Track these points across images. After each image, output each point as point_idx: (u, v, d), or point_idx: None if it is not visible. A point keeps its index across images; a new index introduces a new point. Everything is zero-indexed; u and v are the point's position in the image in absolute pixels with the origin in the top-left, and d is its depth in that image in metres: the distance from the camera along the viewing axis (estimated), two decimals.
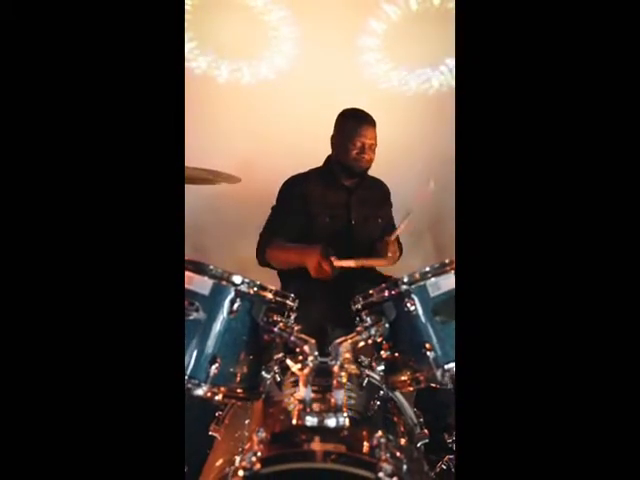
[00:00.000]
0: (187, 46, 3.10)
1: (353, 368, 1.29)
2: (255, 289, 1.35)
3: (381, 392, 1.59)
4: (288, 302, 1.41)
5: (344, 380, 1.25)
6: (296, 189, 2.17)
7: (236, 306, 1.32)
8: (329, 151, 2.23)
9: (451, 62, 3.20)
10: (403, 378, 1.38)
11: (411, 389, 1.41)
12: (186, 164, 1.80)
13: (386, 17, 3.21)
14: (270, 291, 1.37)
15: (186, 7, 3.05)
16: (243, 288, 1.33)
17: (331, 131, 2.22)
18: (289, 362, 1.33)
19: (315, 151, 2.28)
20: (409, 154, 3.13)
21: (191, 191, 2.02)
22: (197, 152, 2.58)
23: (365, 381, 1.53)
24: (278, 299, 1.39)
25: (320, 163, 2.27)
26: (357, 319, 1.46)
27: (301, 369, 1.26)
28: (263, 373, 1.41)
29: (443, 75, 3.25)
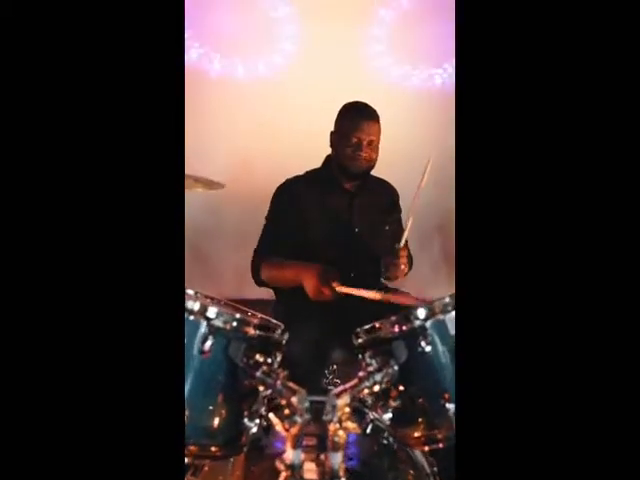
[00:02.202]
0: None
1: (354, 427, 1.03)
2: (234, 324, 1.09)
3: (385, 434, 1.34)
4: (275, 336, 1.15)
5: (342, 441, 1.00)
6: (290, 195, 1.91)
7: (208, 345, 1.07)
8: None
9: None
10: (416, 434, 1.11)
11: (427, 449, 1.14)
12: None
13: (393, 9, 3.06)
14: (253, 326, 1.11)
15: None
16: (218, 323, 1.08)
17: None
18: (272, 418, 1.07)
19: (319, 151, 2.04)
20: (417, 153, 2.89)
21: (189, 193, 1.84)
22: (195, 152, 2.40)
23: (369, 427, 1.28)
24: (262, 334, 1.13)
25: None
26: (359, 356, 1.20)
27: (287, 427, 1.01)
28: (245, 421, 1.15)
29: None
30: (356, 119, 1.85)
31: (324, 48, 3.02)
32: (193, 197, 2.29)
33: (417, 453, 1.35)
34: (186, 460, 1.09)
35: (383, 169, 2.00)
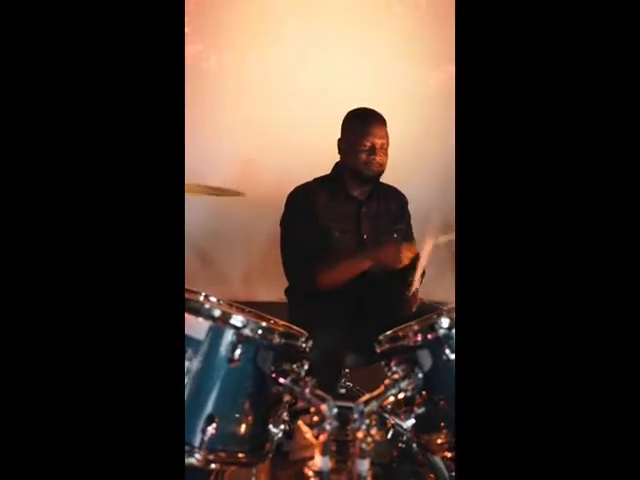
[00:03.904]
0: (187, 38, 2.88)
1: (381, 434, 1.05)
2: (260, 332, 1.11)
3: (404, 438, 1.37)
4: (299, 344, 1.17)
5: (369, 448, 1.01)
6: (303, 202, 1.91)
7: (238, 353, 1.08)
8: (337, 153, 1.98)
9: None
10: (439, 441, 1.14)
11: (449, 455, 1.16)
12: (186, 169, 1.60)
13: (400, 11, 3.01)
14: (278, 334, 1.13)
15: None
16: (246, 331, 1.09)
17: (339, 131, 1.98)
18: (302, 426, 1.09)
19: (327, 153, 2.04)
20: (426, 156, 2.89)
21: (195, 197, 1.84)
22: (198, 153, 2.39)
23: (390, 433, 1.30)
24: (286, 342, 1.14)
25: (329, 165, 2.02)
26: (381, 362, 1.22)
27: (316, 435, 1.02)
28: (270, 427, 1.17)
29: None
30: (366, 124, 1.87)
31: (330, 47, 2.98)
32: (199, 201, 2.29)
33: (436, 457, 1.38)
34: (212, 466, 1.10)
35: (391, 172, 2.01)
